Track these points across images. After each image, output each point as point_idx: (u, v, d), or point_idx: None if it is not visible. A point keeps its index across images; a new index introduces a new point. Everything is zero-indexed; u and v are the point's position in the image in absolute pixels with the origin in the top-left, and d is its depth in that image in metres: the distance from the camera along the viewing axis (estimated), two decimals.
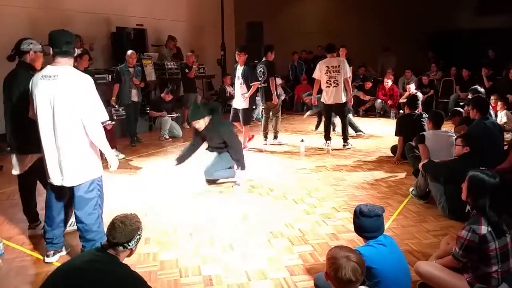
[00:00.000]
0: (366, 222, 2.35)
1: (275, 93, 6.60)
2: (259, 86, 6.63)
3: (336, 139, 6.96)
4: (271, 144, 7.00)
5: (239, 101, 6.41)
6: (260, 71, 6.60)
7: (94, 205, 2.94)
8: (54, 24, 7.31)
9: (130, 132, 7.21)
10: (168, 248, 3.36)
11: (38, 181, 3.63)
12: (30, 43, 3.34)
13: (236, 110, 6.54)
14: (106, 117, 2.88)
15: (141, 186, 4.96)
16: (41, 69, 2.88)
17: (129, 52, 6.94)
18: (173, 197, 4.57)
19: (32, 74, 3.01)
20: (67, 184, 2.85)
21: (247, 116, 6.56)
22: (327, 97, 6.47)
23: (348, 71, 6.43)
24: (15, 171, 3.46)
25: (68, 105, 2.67)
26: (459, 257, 2.40)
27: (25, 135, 3.21)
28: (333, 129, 7.43)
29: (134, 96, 7.02)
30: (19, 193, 3.67)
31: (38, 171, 3.18)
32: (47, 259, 3.12)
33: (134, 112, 7.15)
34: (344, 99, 6.45)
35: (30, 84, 2.81)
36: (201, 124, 4.66)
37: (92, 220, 2.92)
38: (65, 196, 3.05)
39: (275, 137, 7.09)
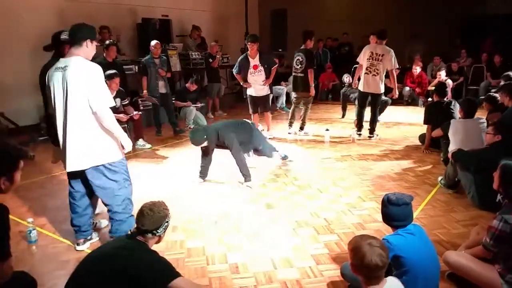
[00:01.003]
0: (394, 211, 2.32)
1: (313, 84, 6.47)
2: (294, 75, 6.60)
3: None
4: (298, 135, 6.91)
5: (259, 88, 6.38)
6: (298, 59, 6.48)
7: (118, 188, 3.01)
8: (82, 16, 7.50)
9: (156, 124, 7.26)
10: (195, 236, 3.43)
11: None
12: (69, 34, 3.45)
13: (254, 98, 6.47)
14: (112, 103, 2.93)
15: (167, 175, 5.05)
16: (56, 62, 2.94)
17: (153, 42, 6.94)
18: (198, 185, 4.63)
19: None
20: (77, 167, 2.89)
21: (269, 102, 6.57)
22: (365, 85, 6.31)
23: (394, 62, 6.10)
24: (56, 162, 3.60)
25: (76, 92, 2.74)
26: (490, 247, 2.35)
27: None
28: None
29: (162, 87, 7.03)
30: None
31: None
32: (77, 247, 3.23)
33: (165, 103, 7.16)
34: (382, 90, 6.27)
35: (46, 78, 2.92)
36: (203, 144, 4.48)
37: (118, 201, 3.01)
38: (85, 182, 3.09)
39: (302, 128, 6.96)
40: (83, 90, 2.74)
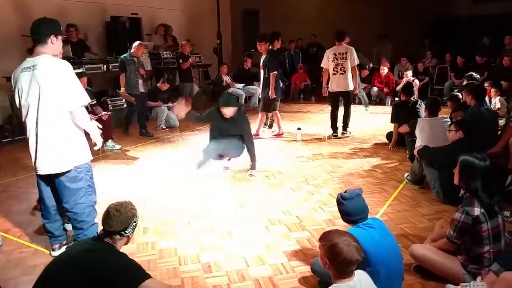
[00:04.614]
0: (350, 205, 2.37)
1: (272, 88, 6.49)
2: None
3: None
4: (266, 132, 7.00)
5: (261, 89, 6.47)
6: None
7: (82, 195, 2.91)
8: (48, 14, 7.23)
9: (126, 122, 7.16)
10: (167, 237, 3.40)
11: None
12: None
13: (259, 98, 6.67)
14: (88, 100, 2.87)
15: (138, 176, 4.97)
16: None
17: (137, 43, 6.81)
18: (170, 186, 4.59)
19: None
20: (51, 171, 2.81)
21: (266, 104, 6.51)
22: (334, 85, 6.44)
23: (356, 59, 6.36)
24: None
25: (50, 92, 2.65)
26: (453, 239, 2.46)
27: None
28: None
29: (141, 86, 6.94)
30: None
31: None
32: (53, 253, 3.12)
33: (143, 103, 7.08)
34: (351, 87, 6.42)
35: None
36: (230, 111, 4.64)
37: (80, 209, 2.90)
38: (54, 186, 2.98)
39: (270, 126, 7.09)
40: (56, 89, 2.64)
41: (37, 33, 2.73)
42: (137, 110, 7.05)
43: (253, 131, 6.67)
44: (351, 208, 2.37)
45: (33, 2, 7.78)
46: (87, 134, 2.94)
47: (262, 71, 6.34)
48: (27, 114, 2.75)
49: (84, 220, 2.94)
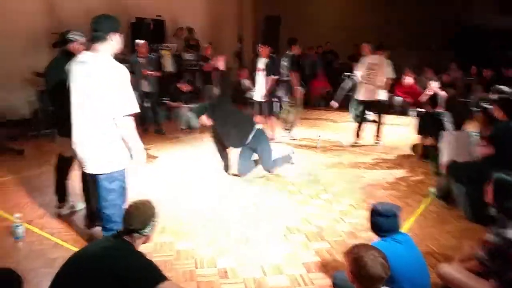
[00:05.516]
0: (382, 221, 2.31)
1: (298, 87, 6.61)
2: (281, 79, 6.61)
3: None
4: (286, 137, 6.91)
5: (259, 94, 6.36)
6: (284, 64, 6.58)
7: (115, 196, 2.88)
8: (74, 14, 7.40)
9: (141, 122, 7.20)
10: (184, 238, 3.37)
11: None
12: (76, 34, 3.55)
13: (256, 102, 6.49)
14: (136, 109, 2.71)
15: (157, 176, 4.96)
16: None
17: (139, 42, 6.97)
18: (189, 187, 4.56)
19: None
20: (90, 171, 2.82)
21: (271, 106, 6.52)
22: (361, 93, 6.46)
23: (390, 72, 6.31)
24: (64, 153, 3.60)
25: (98, 93, 2.60)
26: (484, 262, 2.33)
27: (68, 118, 3.25)
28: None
29: (146, 86, 7.00)
30: (54, 172, 3.78)
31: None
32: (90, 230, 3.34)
33: (152, 102, 7.16)
34: (380, 97, 6.37)
35: (66, 70, 2.80)
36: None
37: (112, 210, 2.89)
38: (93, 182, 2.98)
39: (289, 130, 7.01)
40: (107, 94, 2.57)
41: (97, 30, 2.65)
42: (150, 108, 7.15)
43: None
44: (382, 224, 2.30)
45: (62, 3, 7.96)
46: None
47: (261, 75, 6.29)
48: (73, 108, 2.74)
49: (117, 221, 2.86)
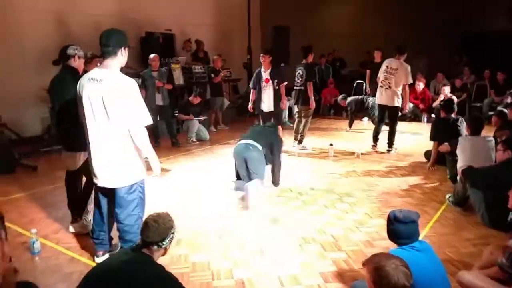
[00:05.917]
0: (401, 228, 2.27)
1: (312, 97, 6.54)
2: (295, 88, 6.66)
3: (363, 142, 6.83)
4: (297, 148, 6.89)
5: (269, 104, 6.33)
6: (299, 73, 6.56)
7: (134, 207, 2.91)
8: (85, 30, 7.52)
9: (154, 136, 7.26)
10: (200, 250, 3.36)
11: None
12: (75, 49, 3.54)
13: (265, 113, 6.42)
14: (149, 121, 2.78)
15: (170, 188, 4.99)
16: (86, 72, 2.90)
17: (151, 55, 7.09)
18: (201, 199, 4.57)
19: (75, 77, 3.14)
20: (109, 185, 2.85)
21: (281, 116, 6.52)
22: (379, 97, 6.46)
23: (407, 78, 6.20)
24: (69, 168, 3.63)
25: (113, 108, 2.65)
26: (506, 268, 2.28)
27: (72, 134, 3.31)
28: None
29: (159, 100, 7.09)
30: (66, 188, 3.79)
31: (86, 169, 3.18)
32: (97, 259, 3.14)
33: (164, 116, 7.25)
34: (396, 103, 6.30)
35: (77, 86, 2.83)
36: None
37: (132, 221, 2.91)
38: (111, 196, 3.01)
39: (300, 141, 6.94)
40: (120, 107, 2.63)
41: (107, 45, 2.70)
42: (165, 123, 7.28)
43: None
44: (401, 231, 2.27)
45: (72, 18, 8.11)
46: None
47: (267, 86, 6.25)
48: (88, 124, 2.77)
49: (136, 233, 2.88)
